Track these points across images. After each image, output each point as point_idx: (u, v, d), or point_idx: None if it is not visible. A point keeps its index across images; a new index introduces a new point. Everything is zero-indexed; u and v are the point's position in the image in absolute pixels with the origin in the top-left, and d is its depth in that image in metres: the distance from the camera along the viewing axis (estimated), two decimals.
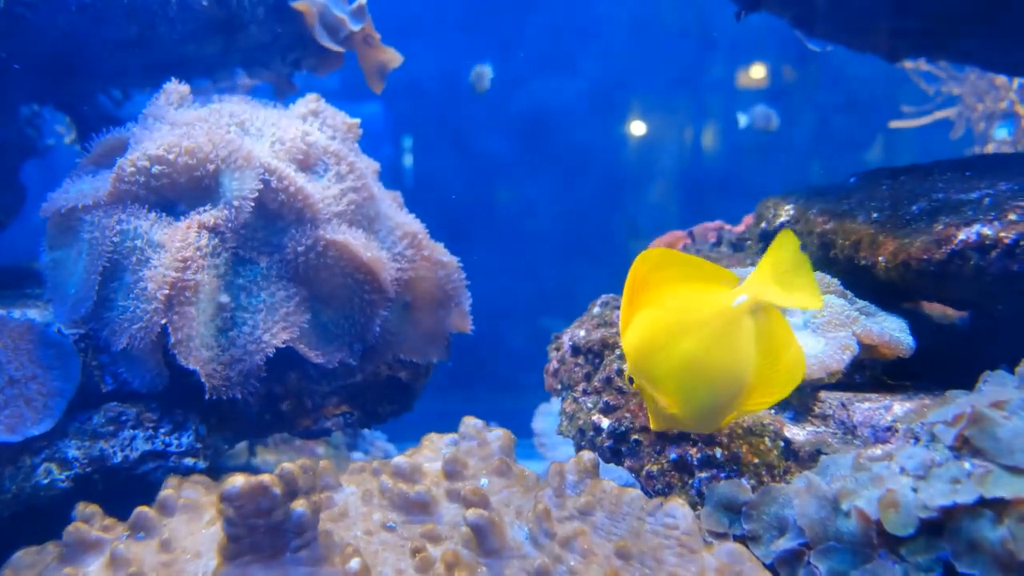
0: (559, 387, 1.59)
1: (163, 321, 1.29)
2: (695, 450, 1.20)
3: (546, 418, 2.68)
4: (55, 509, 1.29)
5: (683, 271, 1.02)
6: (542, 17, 4.72)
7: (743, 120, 3.92)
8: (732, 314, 0.97)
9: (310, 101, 1.67)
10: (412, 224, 1.64)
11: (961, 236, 1.16)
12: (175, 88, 1.58)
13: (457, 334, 1.75)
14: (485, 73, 3.56)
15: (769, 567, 1.03)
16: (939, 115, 3.50)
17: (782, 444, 1.15)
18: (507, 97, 4.70)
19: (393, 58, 2.11)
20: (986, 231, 1.14)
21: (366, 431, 2.91)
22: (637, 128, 4.80)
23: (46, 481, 1.31)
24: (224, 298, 1.38)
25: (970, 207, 1.22)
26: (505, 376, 4.15)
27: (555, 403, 2.73)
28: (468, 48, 4.66)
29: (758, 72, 4.65)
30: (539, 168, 4.75)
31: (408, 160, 4.71)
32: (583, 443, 1.40)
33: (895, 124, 3.61)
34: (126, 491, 1.34)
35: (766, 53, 4.60)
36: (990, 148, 3.49)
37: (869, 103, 4.42)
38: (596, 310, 1.65)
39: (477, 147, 4.73)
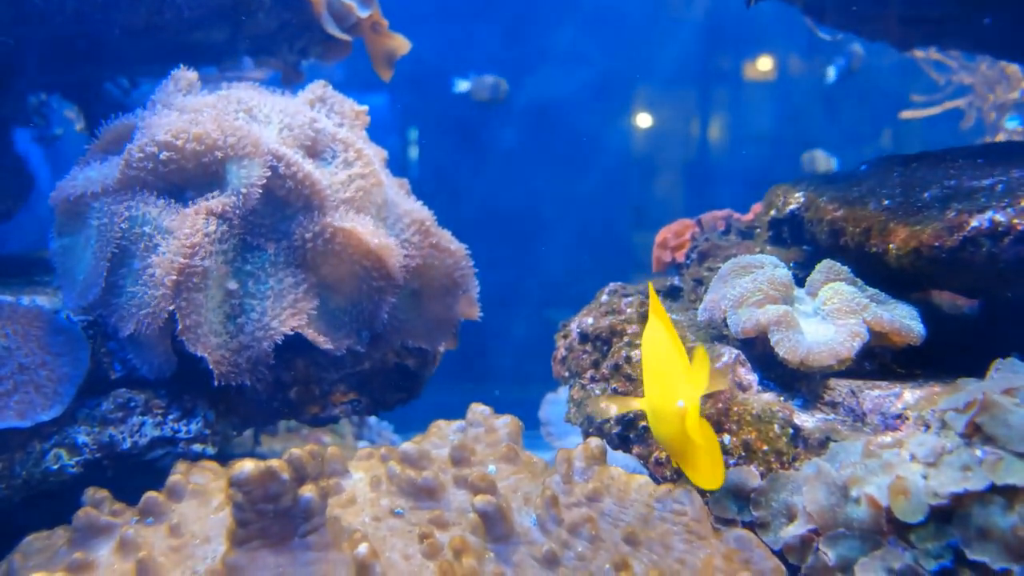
0: (567, 375, 1.59)
1: (171, 307, 1.29)
2: None
3: (553, 407, 2.69)
4: (65, 494, 1.29)
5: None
6: (549, 7, 4.70)
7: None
8: (678, 410, 1.04)
9: (318, 88, 1.66)
10: (420, 211, 1.63)
11: (974, 223, 1.15)
12: (183, 75, 1.58)
13: (464, 325, 1.75)
14: (490, 83, 3.51)
15: (777, 553, 1.03)
16: (949, 105, 3.47)
17: (791, 431, 1.15)
18: (514, 88, 4.68)
19: (401, 45, 2.10)
20: (999, 218, 1.13)
21: (372, 420, 2.92)
22: (643, 119, 4.79)
23: (56, 466, 1.31)
24: (232, 284, 1.38)
25: (983, 194, 1.21)
26: (511, 367, 4.15)
27: (562, 392, 2.73)
28: (475, 38, 4.64)
29: (765, 64, 4.62)
30: (545, 159, 4.74)
31: (414, 151, 4.71)
32: (591, 430, 1.40)
33: (906, 114, 3.59)
34: (135, 477, 1.34)
35: (773, 44, 4.57)
36: (1000, 138, 3.47)
37: (878, 94, 4.39)
38: (604, 298, 1.65)
39: (483, 138, 4.72)
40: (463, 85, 3.62)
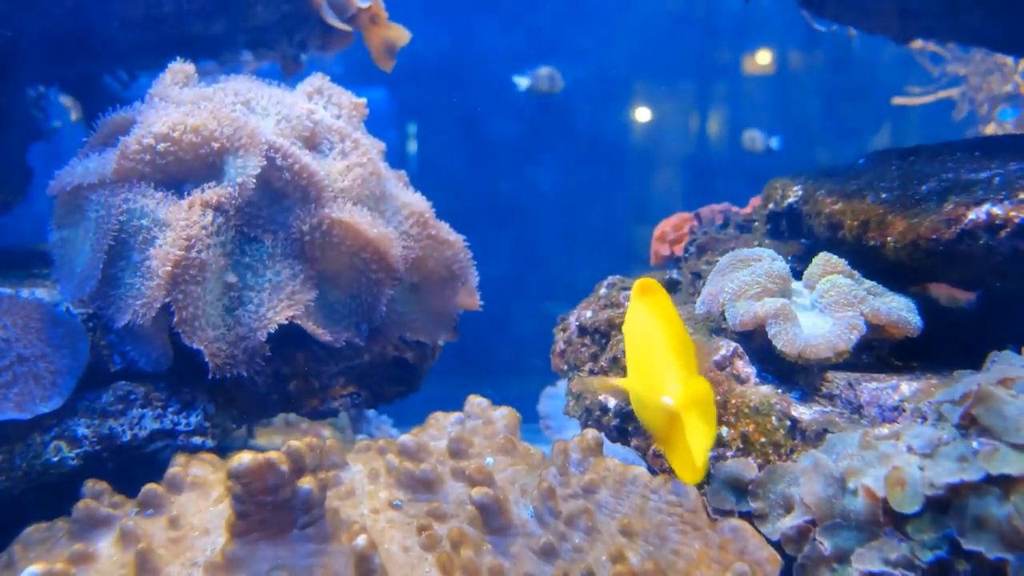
0: (565, 367, 1.59)
1: (165, 298, 1.29)
2: None
3: (552, 401, 2.69)
4: (65, 486, 1.29)
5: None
6: (548, 1, 4.69)
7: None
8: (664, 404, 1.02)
9: (316, 80, 1.66)
10: (418, 203, 1.63)
11: (971, 216, 1.16)
12: (180, 67, 1.57)
13: (462, 319, 1.75)
14: (547, 75, 3.56)
15: (775, 544, 1.03)
16: (943, 94, 3.47)
17: (789, 423, 1.15)
18: (512, 81, 4.67)
19: (401, 35, 2.09)
20: (996, 211, 1.14)
21: (371, 414, 2.92)
22: (642, 113, 4.78)
23: (56, 459, 1.31)
24: (230, 277, 1.38)
25: (980, 187, 1.21)
26: (510, 361, 4.15)
27: (560, 386, 2.73)
28: (474, 32, 4.63)
29: (764, 58, 4.62)
30: (544, 152, 4.74)
31: (412, 145, 4.70)
32: (589, 422, 1.40)
33: (898, 100, 3.59)
34: (135, 469, 1.35)
35: (772, 38, 4.56)
36: (991, 129, 3.47)
37: (875, 88, 4.39)
38: (603, 291, 1.65)
39: (482, 131, 4.71)
40: (523, 82, 3.65)
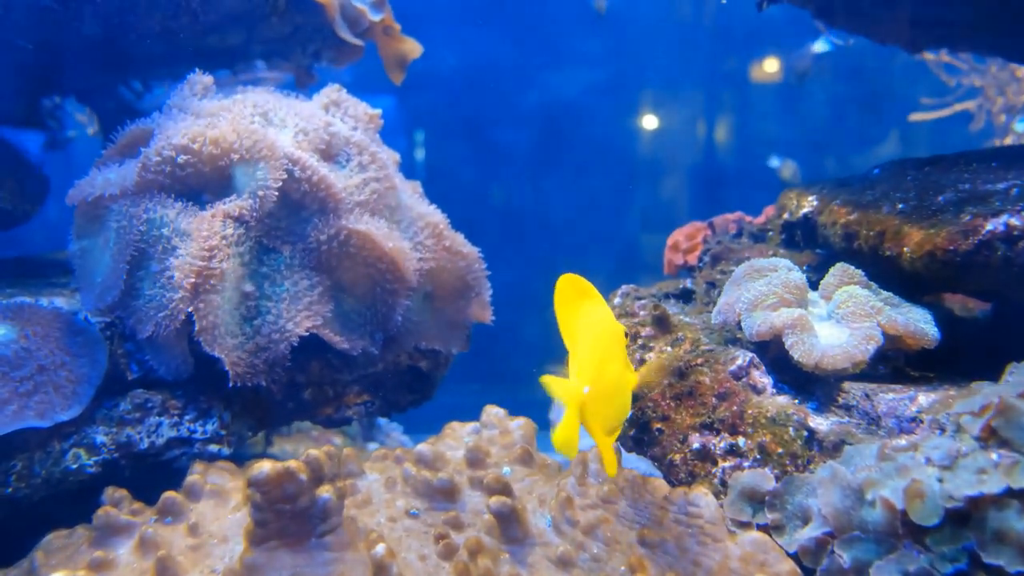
0: None
1: (188, 309, 1.30)
2: (718, 440, 1.20)
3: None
4: (84, 493, 1.31)
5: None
6: (557, 9, 4.71)
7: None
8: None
9: (332, 92, 1.67)
10: (433, 214, 1.64)
11: (988, 226, 1.15)
12: (199, 79, 1.59)
13: (474, 327, 1.76)
14: None
15: (792, 556, 1.03)
16: (959, 107, 3.46)
17: (806, 434, 1.15)
18: (522, 89, 4.69)
19: (413, 49, 2.10)
20: (1014, 221, 1.14)
21: (381, 421, 2.92)
22: (651, 121, 4.79)
23: (75, 466, 1.32)
24: (248, 287, 1.39)
25: (997, 197, 1.21)
26: (520, 369, 4.14)
27: None
28: (483, 41, 4.65)
29: (773, 66, 4.62)
30: (554, 161, 4.75)
31: (421, 153, 4.72)
32: None
33: (915, 116, 3.57)
34: (152, 477, 1.36)
35: (782, 46, 4.57)
36: (1009, 141, 3.46)
37: (885, 97, 4.38)
38: (617, 300, 1.65)
39: (491, 140, 4.72)
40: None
